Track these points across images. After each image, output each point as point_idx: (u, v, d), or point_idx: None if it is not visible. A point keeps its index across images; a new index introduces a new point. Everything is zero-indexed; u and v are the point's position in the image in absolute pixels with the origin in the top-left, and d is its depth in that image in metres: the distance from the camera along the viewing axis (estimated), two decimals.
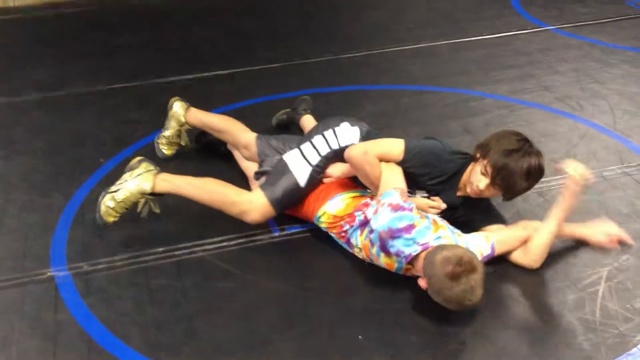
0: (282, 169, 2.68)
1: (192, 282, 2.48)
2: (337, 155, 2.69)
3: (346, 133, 2.73)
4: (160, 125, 3.26)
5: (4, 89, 4.15)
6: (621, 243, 2.57)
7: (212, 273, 2.52)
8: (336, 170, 2.69)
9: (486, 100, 3.84)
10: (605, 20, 4.96)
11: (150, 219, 2.75)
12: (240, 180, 2.96)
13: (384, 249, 2.32)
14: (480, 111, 3.70)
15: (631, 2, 5.36)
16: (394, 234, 2.27)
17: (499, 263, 2.52)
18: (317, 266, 2.59)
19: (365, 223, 2.44)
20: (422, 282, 2.26)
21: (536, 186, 2.94)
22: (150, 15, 5.53)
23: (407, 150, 2.53)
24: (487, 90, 3.95)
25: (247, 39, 4.89)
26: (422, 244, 2.28)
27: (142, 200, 2.62)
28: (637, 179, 3.05)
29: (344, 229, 2.53)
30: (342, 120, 2.79)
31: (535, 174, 2.43)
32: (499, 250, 2.46)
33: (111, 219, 2.63)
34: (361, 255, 2.48)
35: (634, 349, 2.16)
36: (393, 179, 2.47)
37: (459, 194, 2.57)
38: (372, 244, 2.35)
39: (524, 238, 2.49)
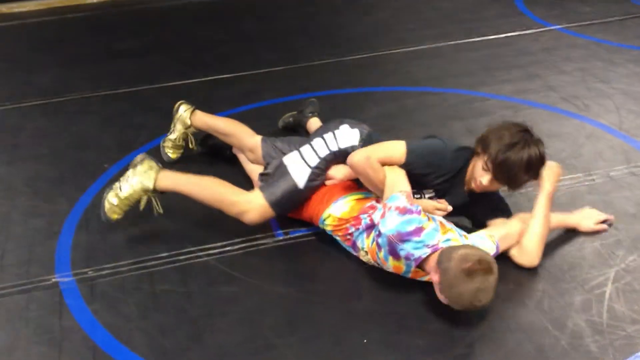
0: (281, 171, 2.69)
1: (197, 287, 2.48)
2: (337, 158, 2.68)
3: (345, 135, 2.72)
4: (164, 129, 3.26)
5: (7, 94, 4.16)
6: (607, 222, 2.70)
7: (216, 278, 2.52)
8: (338, 172, 2.68)
9: (490, 101, 3.82)
10: (610, 20, 4.93)
11: (155, 223, 2.76)
12: (245, 183, 2.95)
13: (393, 252, 2.30)
14: (485, 112, 3.68)
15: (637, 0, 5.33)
16: (403, 237, 2.26)
17: (505, 266, 2.50)
18: (321, 270, 2.58)
19: (371, 226, 2.43)
20: (434, 276, 2.23)
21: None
22: (153, 19, 5.53)
23: (410, 151, 2.51)
24: (492, 91, 3.94)
25: (251, 42, 4.89)
26: (432, 246, 2.27)
27: (145, 198, 2.65)
28: None
29: (350, 231, 2.52)
30: (342, 123, 2.78)
31: (536, 164, 2.41)
32: (502, 247, 2.46)
33: (115, 216, 2.66)
34: (367, 258, 2.47)
35: None
36: (397, 182, 2.45)
37: (466, 188, 2.56)
38: (380, 248, 2.34)
39: (523, 231, 2.50)
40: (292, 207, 2.70)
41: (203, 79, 4.25)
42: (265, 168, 2.82)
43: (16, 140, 3.59)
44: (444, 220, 2.43)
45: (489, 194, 2.57)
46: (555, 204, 2.80)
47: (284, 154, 2.77)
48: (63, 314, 2.36)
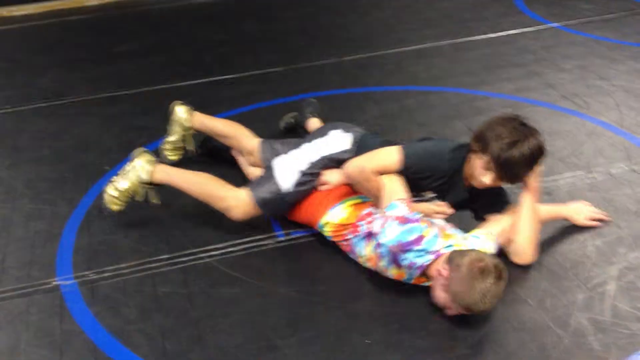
0: (270, 173, 2.71)
1: (198, 289, 2.47)
2: (328, 163, 2.68)
3: (337, 140, 2.71)
4: (165, 131, 3.26)
5: (8, 97, 4.16)
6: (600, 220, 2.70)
7: (217, 279, 2.52)
8: (332, 177, 2.67)
9: (491, 99, 3.82)
10: (609, 16, 4.93)
11: (156, 225, 2.76)
12: (244, 185, 2.94)
13: (395, 262, 2.29)
14: (485, 111, 3.67)
15: None
16: (405, 247, 2.25)
17: (506, 264, 2.49)
18: (323, 271, 2.57)
19: (370, 234, 2.41)
20: (443, 272, 2.21)
21: (544, 184, 2.95)
22: (153, 21, 5.54)
23: (405, 158, 2.47)
24: (492, 90, 3.93)
25: (250, 43, 4.89)
26: (434, 252, 2.27)
27: (142, 190, 2.75)
28: None
29: (347, 237, 2.51)
30: (335, 127, 2.78)
31: (538, 156, 2.38)
32: (501, 242, 2.47)
33: (116, 207, 2.74)
34: (367, 265, 2.46)
35: None
36: (395, 190, 2.43)
37: (465, 183, 2.52)
38: (381, 257, 2.32)
39: (515, 227, 2.50)
40: (280, 209, 2.70)
41: (203, 80, 4.25)
42: None
43: (17, 143, 3.59)
44: (445, 225, 2.42)
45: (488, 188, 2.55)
46: (556, 202, 2.80)
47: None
48: (64, 316, 2.36)
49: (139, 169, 2.73)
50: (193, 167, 3.16)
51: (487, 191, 2.54)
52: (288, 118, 3.47)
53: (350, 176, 2.55)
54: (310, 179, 2.67)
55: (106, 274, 2.56)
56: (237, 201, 2.67)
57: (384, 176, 2.48)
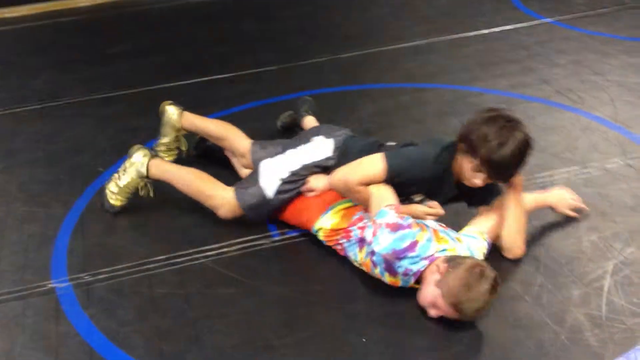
0: (255, 176, 2.72)
1: (194, 290, 2.47)
2: (310, 170, 2.67)
3: (319, 147, 2.70)
4: (160, 131, 3.24)
5: (2, 99, 4.14)
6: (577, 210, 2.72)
7: (213, 279, 2.51)
8: (319, 183, 2.66)
9: (486, 96, 3.82)
10: (602, 11, 4.92)
11: (151, 226, 2.75)
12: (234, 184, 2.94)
13: (390, 269, 2.28)
14: (480, 107, 3.64)
15: None
16: (399, 254, 2.24)
17: (502, 260, 2.50)
18: (319, 270, 2.57)
19: (363, 240, 2.40)
20: (442, 267, 2.21)
21: (539, 180, 2.95)
22: (147, 21, 5.51)
23: (389, 168, 2.41)
24: (487, 86, 3.93)
25: (246, 42, 4.87)
26: (428, 257, 2.26)
27: (142, 184, 2.82)
28: None
29: (340, 242, 2.51)
30: (317, 134, 2.76)
31: (527, 151, 2.34)
32: (492, 238, 2.48)
33: (118, 203, 2.84)
34: (362, 268, 2.44)
35: None
36: (383, 196, 2.39)
37: (454, 180, 2.49)
38: (375, 265, 2.31)
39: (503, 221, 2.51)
40: (264, 213, 2.71)
41: (198, 80, 4.23)
42: None
43: (11, 145, 3.57)
44: (438, 229, 2.40)
45: None
46: None
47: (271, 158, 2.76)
48: (60, 319, 2.35)
49: (138, 164, 2.79)
50: (187, 166, 3.16)
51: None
52: (284, 117, 3.45)
53: (336, 189, 2.54)
54: (292, 187, 2.67)
55: (101, 276, 2.55)
56: (223, 200, 2.70)
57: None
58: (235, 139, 2.97)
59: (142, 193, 2.84)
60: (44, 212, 2.95)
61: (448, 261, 2.22)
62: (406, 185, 2.46)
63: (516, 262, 2.50)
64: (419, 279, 2.29)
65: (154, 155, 2.87)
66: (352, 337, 2.22)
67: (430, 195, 2.53)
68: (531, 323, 2.25)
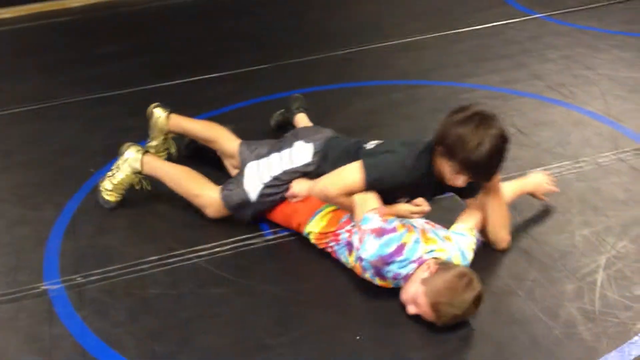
0: (240, 178, 2.73)
1: (187, 290, 2.46)
2: (291, 175, 2.66)
3: (299, 152, 2.69)
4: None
5: None
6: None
7: (206, 279, 2.50)
8: (302, 187, 2.64)
9: (478, 91, 3.81)
10: (593, 6, 4.93)
11: (144, 226, 2.74)
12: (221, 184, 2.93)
13: (379, 274, 2.28)
14: (472, 103, 3.66)
15: None
16: (386, 259, 2.23)
17: (495, 255, 2.50)
18: (312, 268, 2.56)
19: (351, 244, 2.40)
20: (433, 266, 2.21)
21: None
22: (136, 22, 5.49)
23: (367, 178, 2.38)
24: (479, 82, 3.93)
25: (236, 41, 4.86)
26: (417, 260, 2.26)
27: (137, 179, 2.87)
28: (632, 164, 3.03)
29: (330, 244, 2.51)
30: (299, 138, 2.74)
31: (504, 146, 2.29)
32: (479, 229, 2.48)
33: (113, 199, 2.89)
34: (355, 270, 2.44)
35: (635, 337, 2.14)
36: (366, 201, 2.37)
37: (435, 179, 2.44)
38: (365, 270, 2.30)
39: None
40: (248, 214, 2.70)
41: (188, 80, 4.22)
42: None
43: (1, 147, 3.56)
44: (425, 228, 2.39)
45: None
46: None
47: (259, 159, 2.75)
48: (53, 321, 2.34)
49: (132, 160, 2.84)
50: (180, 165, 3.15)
51: None
52: (277, 115, 3.44)
53: (318, 198, 2.54)
54: (275, 191, 2.66)
55: (94, 277, 2.54)
56: (210, 200, 2.72)
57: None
58: (224, 141, 2.95)
59: (138, 187, 2.88)
60: (35, 214, 2.94)
61: (440, 263, 2.23)
62: (388, 191, 2.43)
63: (509, 257, 2.50)
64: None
65: (147, 151, 2.90)
66: (345, 334, 2.22)
67: (415, 197, 2.47)
68: (525, 318, 2.25)
